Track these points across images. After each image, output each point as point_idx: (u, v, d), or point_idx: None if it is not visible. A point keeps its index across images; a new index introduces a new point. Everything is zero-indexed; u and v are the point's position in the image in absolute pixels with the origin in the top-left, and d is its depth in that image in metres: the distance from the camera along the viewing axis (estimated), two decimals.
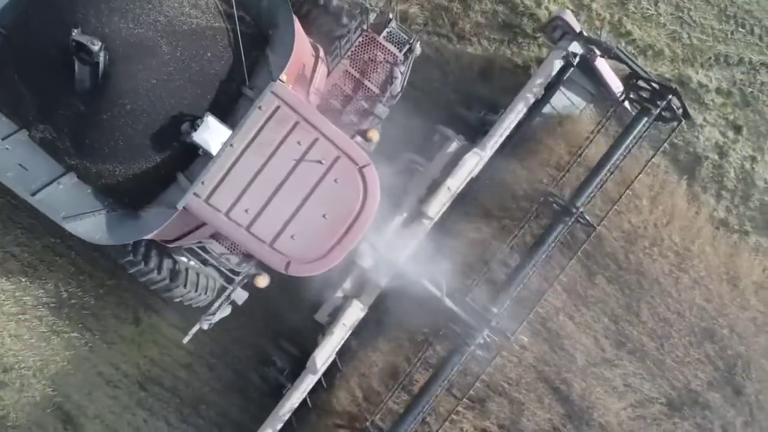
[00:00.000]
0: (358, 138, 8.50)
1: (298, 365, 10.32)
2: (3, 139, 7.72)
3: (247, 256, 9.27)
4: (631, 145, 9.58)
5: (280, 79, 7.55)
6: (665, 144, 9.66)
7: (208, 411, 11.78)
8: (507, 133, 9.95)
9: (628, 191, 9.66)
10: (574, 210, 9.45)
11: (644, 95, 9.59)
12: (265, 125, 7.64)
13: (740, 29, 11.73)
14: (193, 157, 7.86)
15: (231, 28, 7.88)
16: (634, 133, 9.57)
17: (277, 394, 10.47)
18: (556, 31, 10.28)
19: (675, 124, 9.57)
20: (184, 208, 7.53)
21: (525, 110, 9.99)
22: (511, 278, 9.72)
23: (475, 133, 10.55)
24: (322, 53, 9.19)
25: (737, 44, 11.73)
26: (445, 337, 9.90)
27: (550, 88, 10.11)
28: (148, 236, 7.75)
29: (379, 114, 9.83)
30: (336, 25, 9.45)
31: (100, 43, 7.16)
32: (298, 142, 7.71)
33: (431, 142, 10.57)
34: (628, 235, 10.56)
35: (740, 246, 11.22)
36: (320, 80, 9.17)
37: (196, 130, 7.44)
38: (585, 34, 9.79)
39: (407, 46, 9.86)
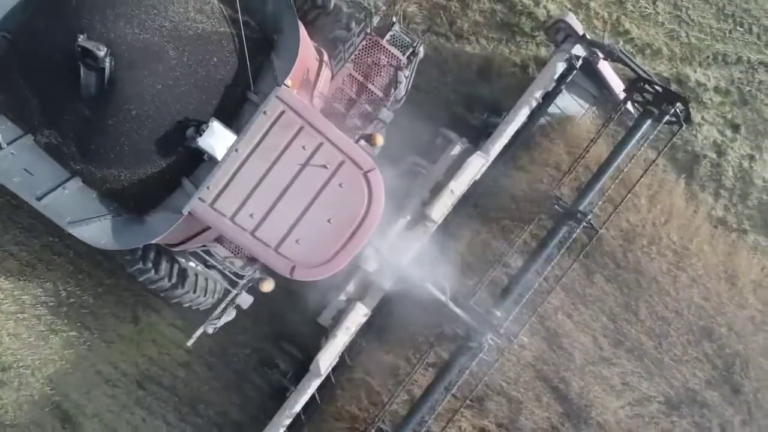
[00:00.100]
0: (363, 142, 8.50)
1: (302, 368, 10.31)
2: (8, 144, 7.71)
3: (251, 260, 9.28)
4: (636, 149, 9.60)
5: (284, 84, 7.55)
6: (666, 146, 9.68)
7: (206, 410, 11.77)
8: (510, 135, 9.96)
9: (625, 188, 9.69)
10: (580, 216, 9.44)
11: (648, 98, 9.59)
12: (270, 130, 7.66)
13: (738, 28, 11.74)
14: (198, 162, 7.86)
15: (236, 33, 7.90)
16: (638, 135, 9.60)
17: (280, 396, 10.49)
18: (559, 33, 10.29)
19: (676, 128, 9.59)
20: (189, 212, 7.53)
21: (528, 113, 10.00)
22: (515, 282, 9.74)
23: (478, 136, 10.57)
24: (326, 57, 9.20)
25: (735, 43, 11.74)
26: (448, 339, 9.89)
27: (553, 91, 10.13)
28: (154, 241, 7.76)
29: (384, 118, 9.83)
30: (340, 28, 9.48)
31: (105, 49, 7.18)
32: (303, 147, 7.72)
33: (434, 145, 10.59)
34: (626, 234, 10.57)
35: (738, 245, 11.23)
36: (324, 84, 9.17)
37: (201, 135, 7.46)
38: (588, 37, 9.79)
39: (411, 50, 9.86)
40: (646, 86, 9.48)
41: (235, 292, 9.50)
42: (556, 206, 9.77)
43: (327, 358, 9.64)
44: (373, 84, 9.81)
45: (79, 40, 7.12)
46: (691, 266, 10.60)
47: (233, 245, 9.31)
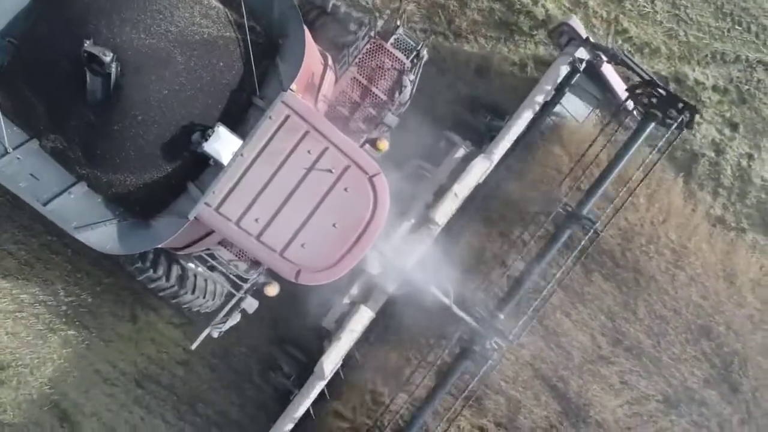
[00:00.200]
0: (368, 147, 8.48)
1: (305, 370, 10.32)
2: (14, 149, 7.67)
3: (255, 263, 9.25)
4: (640, 153, 9.64)
5: (290, 89, 7.54)
6: (667, 150, 9.65)
7: (205, 409, 11.77)
8: (514, 138, 9.97)
9: (627, 191, 9.69)
10: (586, 222, 9.46)
11: (651, 101, 9.58)
12: (275, 134, 7.65)
13: (737, 27, 11.74)
14: (203, 167, 7.85)
15: (242, 37, 7.86)
16: (641, 139, 9.63)
17: (284, 399, 10.52)
18: (563, 36, 10.28)
19: (677, 132, 9.58)
20: (194, 217, 7.53)
21: (531, 116, 10.01)
22: (518, 284, 9.78)
23: (481, 138, 10.57)
24: (330, 61, 9.19)
25: (734, 42, 11.74)
26: (451, 341, 9.94)
27: (557, 94, 10.14)
28: (159, 245, 7.76)
29: (389, 123, 9.81)
30: (344, 32, 9.48)
31: (111, 54, 7.16)
32: (308, 151, 7.71)
33: (438, 148, 10.58)
34: (624, 233, 10.57)
35: (737, 243, 11.22)
36: (328, 87, 9.17)
37: (207, 140, 7.43)
38: (591, 40, 9.80)
39: (414, 53, 9.86)
40: (650, 89, 9.47)
41: (239, 295, 9.45)
42: (559, 210, 9.76)
43: (331, 361, 9.65)
44: (377, 87, 9.78)
45: (85, 45, 7.10)
46: (689, 265, 10.59)
47: (237, 249, 9.28)
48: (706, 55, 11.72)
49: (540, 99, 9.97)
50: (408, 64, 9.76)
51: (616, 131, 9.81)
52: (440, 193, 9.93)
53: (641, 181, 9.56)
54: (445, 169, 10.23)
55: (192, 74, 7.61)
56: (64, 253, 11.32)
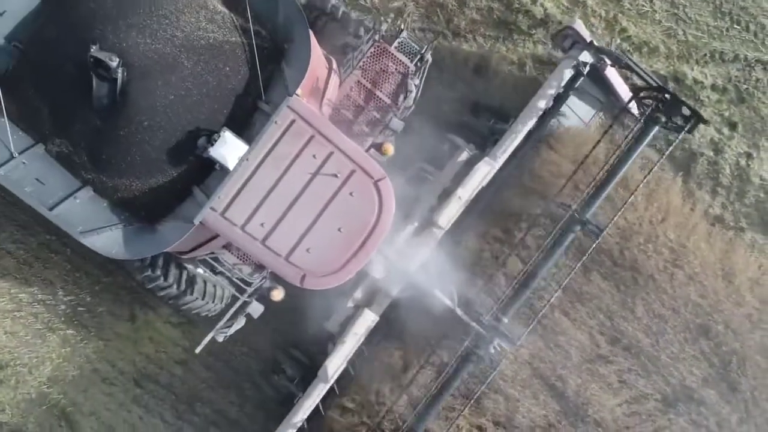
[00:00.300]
0: (373, 151, 8.51)
1: (309, 373, 10.33)
2: (20, 154, 7.69)
3: (259, 266, 9.26)
4: (643, 156, 9.73)
5: (295, 94, 7.55)
6: (667, 152, 9.69)
7: (203, 408, 11.78)
8: (518, 141, 9.98)
9: (625, 191, 9.73)
10: (593, 227, 9.48)
11: (655, 104, 9.57)
12: (281, 139, 7.67)
13: (735, 26, 11.73)
14: (208, 171, 7.88)
15: (247, 42, 7.89)
16: (645, 143, 9.64)
17: (286, 401, 10.52)
18: (567, 40, 10.28)
19: (677, 135, 9.59)
20: (200, 221, 7.54)
21: (535, 119, 10.01)
22: (522, 287, 9.78)
23: (485, 141, 10.58)
24: (335, 65, 9.21)
25: (732, 41, 11.74)
26: (454, 343, 9.93)
27: (560, 97, 10.15)
28: (165, 250, 7.79)
29: (395, 128, 9.80)
30: (349, 35, 9.51)
31: (118, 60, 7.18)
32: (314, 156, 7.75)
33: (441, 151, 10.59)
34: (623, 232, 10.55)
35: (735, 242, 11.20)
36: (332, 91, 9.19)
37: (212, 145, 7.47)
38: (596, 43, 9.80)
39: (418, 56, 9.87)
40: (656, 93, 9.46)
41: (243, 299, 9.45)
42: (562, 213, 9.78)
43: (335, 364, 9.66)
44: (380, 91, 9.81)
45: (92, 50, 7.12)
46: (688, 264, 10.57)
47: (241, 252, 9.29)
48: (705, 54, 11.71)
49: (544, 102, 9.98)
50: (412, 67, 9.79)
51: (626, 137, 9.77)
52: (444, 196, 9.95)
53: (641, 182, 9.55)
54: (449, 172, 10.24)
55: (198, 79, 7.63)
56: (63, 253, 11.33)
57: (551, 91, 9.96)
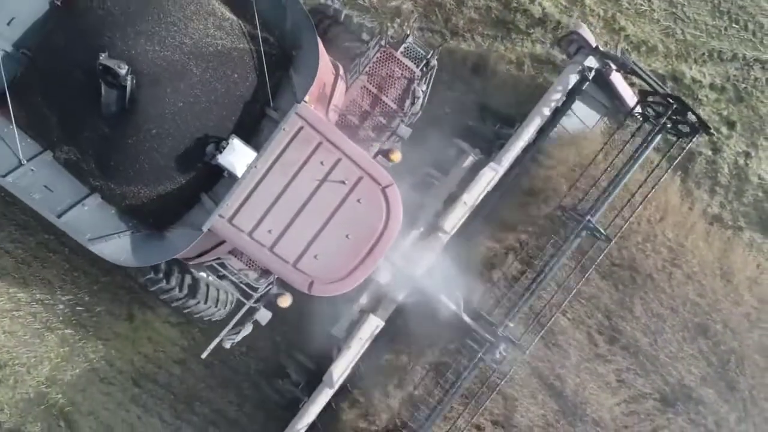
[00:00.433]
0: (380, 158, 8.52)
1: (314, 378, 10.31)
2: (28, 161, 7.67)
3: (266, 272, 9.23)
4: (655, 167, 9.75)
5: (303, 100, 7.55)
6: (667, 154, 9.78)
7: (202, 408, 11.77)
8: (523, 146, 9.99)
9: (624, 191, 9.72)
10: (604, 239, 9.53)
11: (661, 110, 9.60)
12: (288, 146, 7.67)
13: (734, 25, 11.73)
14: (217, 178, 7.86)
15: (255, 49, 7.85)
16: (650, 149, 9.71)
17: (291, 406, 10.50)
18: (572, 45, 10.27)
19: (676, 139, 9.72)
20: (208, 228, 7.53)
21: (540, 124, 10.02)
22: (528, 292, 9.82)
23: (490, 146, 10.57)
24: (341, 71, 9.19)
25: (731, 40, 11.74)
26: (460, 348, 10.00)
27: (566, 102, 10.16)
28: (173, 257, 7.77)
29: (402, 134, 9.78)
30: (355, 41, 9.50)
31: (127, 67, 7.16)
32: (321, 163, 7.74)
33: (447, 156, 10.57)
34: (621, 231, 10.54)
35: (734, 241, 11.22)
36: (339, 97, 9.18)
37: (221, 152, 7.44)
38: (601, 48, 9.80)
39: (424, 62, 9.86)
40: (663, 99, 9.47)
41: (249, 304, 9.36)
42: (568, 218, 9.81)
43: (340, 369, 9.66)
44: (386, 96, 9.78)
45: (101, 58, 7.10)
46: (686, 263, 10.58)
47: (247, 258, 9.25)
48: (703, 54, 11.71)
49: (549, 107, 9.99)
50: (418, 72, 9.78)
51: (627, 142, 9.81)
52: (449, 201, 9.96)
53: (641, 183, 9.61)
54: (454, 177, 10.25)
55: (207, 86, 7.61)
56: (62, 252, 11.32)
57: (557, 96, 9.98)
